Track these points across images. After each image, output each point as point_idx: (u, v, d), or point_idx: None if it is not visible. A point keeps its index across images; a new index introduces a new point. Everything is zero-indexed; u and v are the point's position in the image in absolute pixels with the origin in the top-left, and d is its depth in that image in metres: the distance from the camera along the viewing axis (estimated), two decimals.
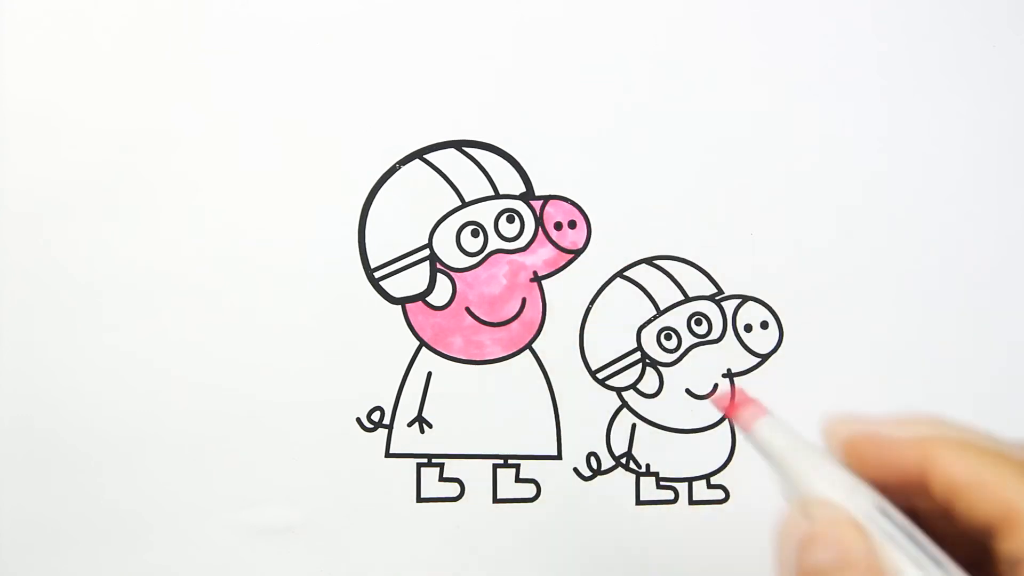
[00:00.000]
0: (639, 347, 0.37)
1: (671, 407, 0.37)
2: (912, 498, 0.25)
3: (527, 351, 0.37)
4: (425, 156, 0.37)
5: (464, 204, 0.37)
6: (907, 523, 0.25)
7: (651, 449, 0.37)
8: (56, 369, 0.36)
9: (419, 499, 0.37)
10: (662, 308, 0.37)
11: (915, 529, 0.24)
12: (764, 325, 0.37)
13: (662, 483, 0.37)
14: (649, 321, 0.37)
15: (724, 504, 0.37)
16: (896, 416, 0.25)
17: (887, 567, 0.24)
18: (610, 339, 0.37)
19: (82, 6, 0.36)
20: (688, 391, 0.37)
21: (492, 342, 0.37)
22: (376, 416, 0.36)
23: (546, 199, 0.37)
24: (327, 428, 0.36)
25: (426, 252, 0.37)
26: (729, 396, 0.30)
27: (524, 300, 0.37)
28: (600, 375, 0.37)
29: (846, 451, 0.26)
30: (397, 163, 0.37)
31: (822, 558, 0.24)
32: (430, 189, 0.37)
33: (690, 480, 0.37)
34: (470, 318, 0.37)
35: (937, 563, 0.23)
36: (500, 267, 0.37)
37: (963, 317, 0.38)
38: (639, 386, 0.37)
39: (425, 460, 0.37)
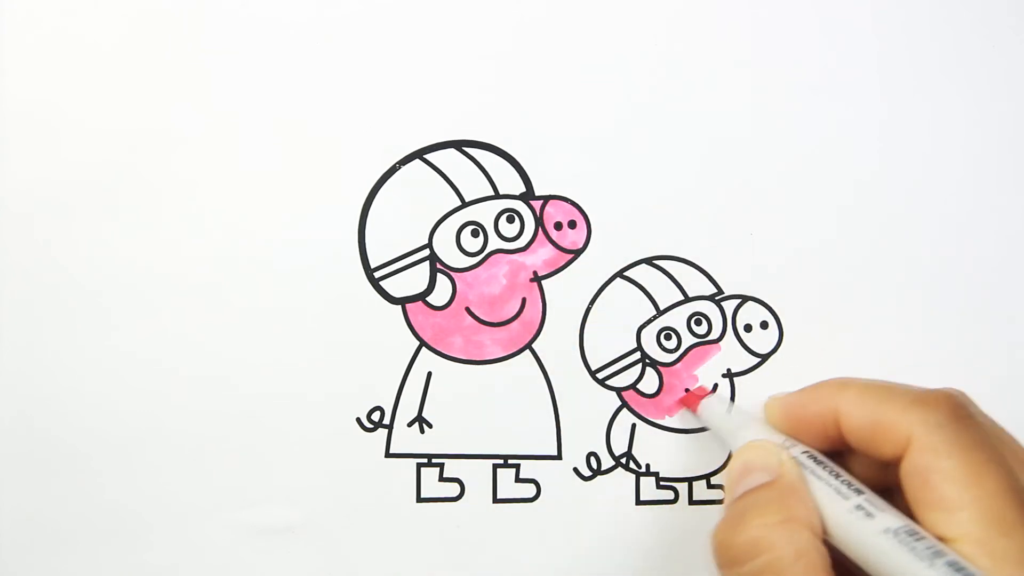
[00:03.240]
0: (639, 347, 0.37)
1: (671, 407, 0.37)
2: (837, 446, 0.29)
3: (527, 351, 0.37)
4: (425, 156, 0.37)
5: (464, 204, 0.37)
6: (831, 463, 0.28)
7: (651, 449, 0.37)
8: (56, 369, 0.36)
9: (419, 499, 0.37)
10: (662, 308, 0.37)
11: (839, 468, 0.28)
12: (764, 325, 0.37)
13: (662, 483, 0.37)
14: (649, 321, 0.37)
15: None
16: (813, 384, 0.30)
17: (814, 495, 0.27)
18: (610, 339, 0.37)
19: (82, 6, 0.36)
20: (688, 391, 0.37)
21: (492, 342, 0.37)
22: (376, 416, 0.36)
23: (546, 199, 0.37)
24: (327, 428, 0.36)
25: (426, 252, 0.37)
26: (687, 398, 0.35)
27: (524, 300, 0.37)
28: (600, 375, 0.37)
29: (778, 420, 0.30)
30: (397, 163, 0.37)
31: (756, 480, 0.28)
32: (430, 189, 0.37)
33: (690, 480, 0.37)
34: (470, 318, 0.37)
35: (858, 491, 0.27)
36: (500, 267, 0.37)
37: (963, 317, 0.38)
38: (639, 386, 0.37)
39: (425, 460, 0.37)
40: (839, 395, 0.28)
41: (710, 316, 0.37)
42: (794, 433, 0.30)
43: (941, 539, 0.25)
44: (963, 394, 0.28)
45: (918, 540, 0.24)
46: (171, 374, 0.36)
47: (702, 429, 0.37)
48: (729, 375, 0.37)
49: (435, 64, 0.37)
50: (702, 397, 0.36)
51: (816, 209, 0.37)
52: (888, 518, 0.25)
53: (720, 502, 0.37)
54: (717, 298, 0.37)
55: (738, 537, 0.26)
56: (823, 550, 0.26)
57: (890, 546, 0.25)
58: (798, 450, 0.29)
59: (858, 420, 0.27)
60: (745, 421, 0.32)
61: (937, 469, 0.25)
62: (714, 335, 0.37)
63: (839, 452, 0.29)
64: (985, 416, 0.28)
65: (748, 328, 0.37)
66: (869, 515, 0.26)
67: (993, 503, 0.24)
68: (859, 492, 0.27)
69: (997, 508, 0.24)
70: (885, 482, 0.28)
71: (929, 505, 0.25)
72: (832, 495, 0.27)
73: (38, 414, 0.36)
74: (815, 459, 0.28)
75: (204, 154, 0.36)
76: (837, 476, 0.27)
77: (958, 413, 0.26)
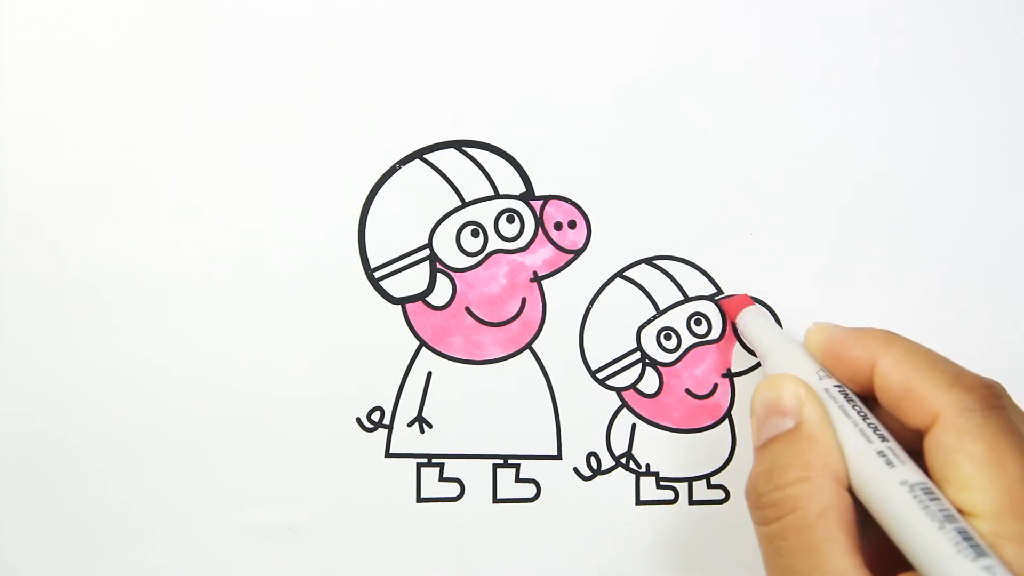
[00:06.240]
0: (639, 347, 0.37)
1: (671, 407, 0.37)
2: (866, 393, 0.29)
3: (527, 351, 0.37)
4: (425, 156, 0.37)
5: (464, 204, 0.37)
6: (861, 405, 0.28)
7: (651, 449, 0.37)
8: (56, 368, 0.36)
9: (419, 499, 0.37)
10: (662, 308, 0.37)
11: (868, 411, 0.28)
12: None
13: (662, 483, 0.37)
14: (649, 321, 0.37)
15: (724, 504, 0.37)
16: (861, 327, 0.29)
17: (839, 433, 0.27)
18: (610, 339, 0.37)
19: (81, 6, 0.36)
20: (688, 391, 0.37)
21: (492, 342, 0.37)
22: (376, 416, 0.37)
23: (546, 199, 0.37)
24: (327, 428, 0.36)
25: (426, 252, 0.37)
26: (727, 303, 0.36)
27: (524, 300, 0.37)
28: (600, 375, 0.37)
29: (817, 349, 0.30)
30: (397, 163, 0.37)
31: (778, 426, 0.28)
32: (430, 189, 0.37)
33: (690, 480, 0.37)
34: (470, 318, 0.37)
35: (882, 437, 0.27)
36: (500, 267, 0.37)
37: (964, 318, 0.38)
38: (639, 386, 0.37)
39: (425, 460, 0.37)
40: (881, 350, 0.28)
41: (710, 316, 0.37)
42: (828, 367, 0.30)
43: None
44: (1001, 386, 0.28)
45: (933, 500, 0.24)
46: (171, 374, 0.36)
47: (702, 429, 0.37)
48: (729, 375, 0.37)
49: (435, 64, 0.37)
50: (743, 307, 0.36)
51: (816, 209, 0.37)
52: (908, 471, 0.25)
53: (720, 502, 0.37)
54: (717, 298, 0.37)
55: (765, 498, 0.27)
56: (847, 500, 0.26)
57: (904, 500, 0.24)
58: (831, 383, 0.29)
59: (892, 383, 0.27)
60: (783, 342, 0.32)
61: (960, 450, 0.25)
62: (714, 335, 0.37)
63: (867, 399, 0.29)
64: (1020, 411, 0.28)
65: None
66: (890, 463, 0.26)
67: (1012, 486, 0.24)
68: (884, 439, 0.26)
69: (1016, 492, 0.24)
70: (908, 441, 0.28)
71: (947, 481, 0.25)
72: (856, 436, 0.27)
73: (38, 414, 0.36)
74: (846, 395, 0.28)
75: (204, 154, 0.36)
76: (865, 418, 0.27)
77: (991, 402, 0.26)
